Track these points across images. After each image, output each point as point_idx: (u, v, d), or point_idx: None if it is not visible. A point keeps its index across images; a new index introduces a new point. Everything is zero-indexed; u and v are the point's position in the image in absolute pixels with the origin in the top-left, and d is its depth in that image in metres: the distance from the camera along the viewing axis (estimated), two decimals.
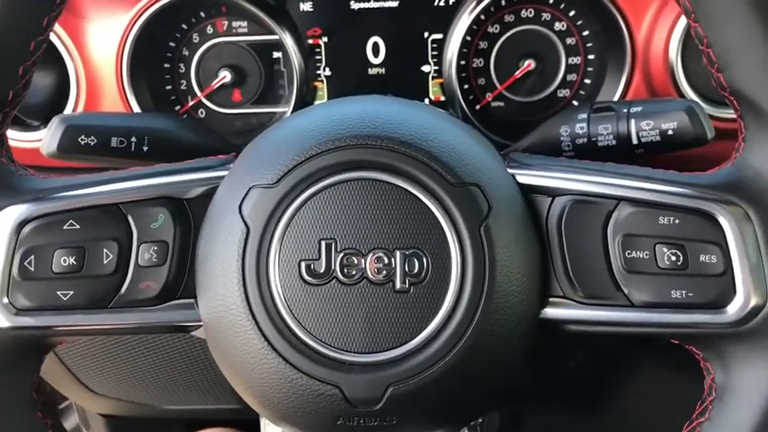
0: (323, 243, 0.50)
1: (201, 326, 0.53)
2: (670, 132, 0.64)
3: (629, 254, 0.51)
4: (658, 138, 0.64)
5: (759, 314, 0.49)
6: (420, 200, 0.50)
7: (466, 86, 0.83)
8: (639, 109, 0.65)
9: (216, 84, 0.83)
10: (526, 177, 0.54)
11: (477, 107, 0.84)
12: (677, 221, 0.50)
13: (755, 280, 0.49)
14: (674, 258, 0.50)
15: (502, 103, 0.84)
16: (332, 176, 0.50)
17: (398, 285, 0.49)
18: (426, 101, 0.84)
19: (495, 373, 0.51)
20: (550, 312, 0.53)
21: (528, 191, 0.53)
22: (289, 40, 0.80)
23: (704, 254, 0.50)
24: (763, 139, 0.50)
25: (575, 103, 0.83)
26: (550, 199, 0.53)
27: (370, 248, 0.49)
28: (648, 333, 0.52)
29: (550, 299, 0.53)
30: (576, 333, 0.53)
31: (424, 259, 0.49)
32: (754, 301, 0.49)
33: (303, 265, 0.49)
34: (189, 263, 0.53)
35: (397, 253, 0.49)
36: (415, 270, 0.49)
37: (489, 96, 0.83)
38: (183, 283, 0.53)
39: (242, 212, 0.50)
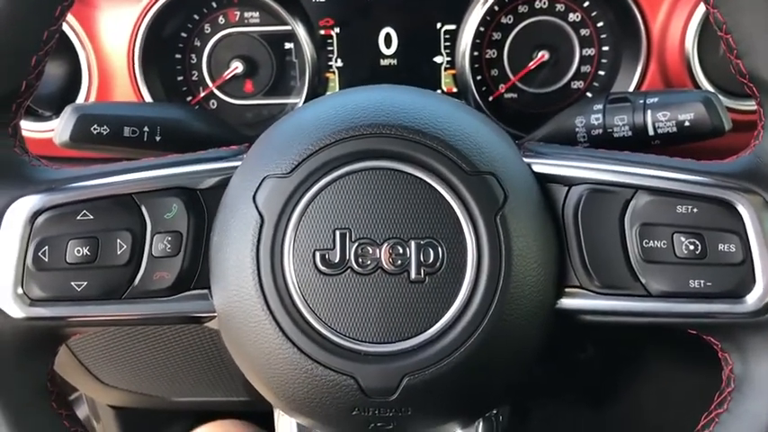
0: (337, 233, 0.49)
1: (215, 317, 0.53)
2: (687, 123, 0.63)
3: (646, 243, 0.51)
4: (675, 129, 0.63)
5: None
6: (435, 189, 0.50)
7: (479, 78, 0.82)
8: (656, 100, 0.64)
9: (227, 74, 0.83)
10: (542, 166, 0.53)
11: (491, 99, 0.83)
12: (695, 210, 0.50)
13: None
14: (692, 247, 0.50)
15: (515, 95, 0.83)
16: (346, 166, 0.50)
17: (413, 275, 0.49)
18: (439, 92, 0.83)
19: (510, 364, 0.51)
20: (566, 302, 0.52)
21: (544, 180, 0.53)
22: (301, 31, 0.80)
23: (723, 243, 0.49)
24: None
25: (589, 94, 0.82)
26: (567, 188, 0.53)
27: (384, 238, 0.49)
28: (666, 323, 0.51)
29: (566, 289, 0.52)
30: (593, 323, 0.53)
31: (440, 249, 0.49)
32: None
33: (318, 254, 0.49)
34: (203, 253, 0.53)
35: (412, 243, 0.49)
36: (431, 260, 0.49)
37: (503, 88, 0.83)
38: (196, 274, 0.53)
39: (256, 202, 0.50)
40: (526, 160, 0.53)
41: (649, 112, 0.64)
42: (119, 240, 0.52)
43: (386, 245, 0.49)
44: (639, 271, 0.51)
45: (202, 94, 0.84)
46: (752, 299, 0.49)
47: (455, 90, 0.83)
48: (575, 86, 0.83)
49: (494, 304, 0.49)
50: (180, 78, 0.84)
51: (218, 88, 0.84)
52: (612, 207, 0.52)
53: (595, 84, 0.82)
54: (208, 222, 0.53)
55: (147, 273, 0.52)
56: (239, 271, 0.50)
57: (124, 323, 0.54)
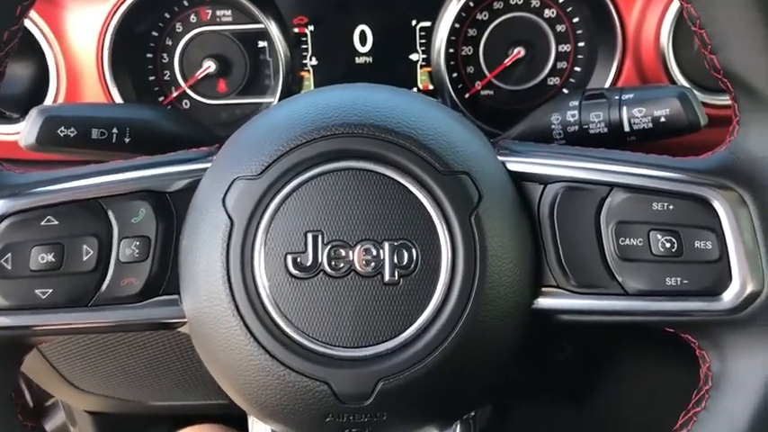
0: (309, 235, 0.48)
1: (185, 323, 0.52)
2: (662, 119, 0.63)
3: (622, 241, 0.50)
4: (650, 125, 0.63)
5: (755, 301, 0.49)
6: (408, 189, 0.49)
7: (455, 75, 0.81)
8: (631, 96, 0.64)
9: (200, 74, 0.81)
10: (517, 164, 0.53)
11: (467, 96, 0.82)
12: (671, 207, 0.50)
13: (751, 266, 0.48)
14: (668, 245, 0.49)
15: (491, 92, 0.83)
16: (318, 167, 0.49)
17: (387, 278, 0.48)
18: (414, 90, 0.82)
19: (486, 366, 0.50)
20: (543, 302, 0.52)
21: (519, 178, 0.52)
22: (274, 29, 0.79)
23: (699, 240, 0.49)
24: (758, 121, 0.49)
25: (565, 91, 0.82)
26: (542, 186, 0.52)
27: (357, 240, 0.48)
28: (643, 322, 0.51)
29: (543, 288, 0.52)
30: (570, 323, 0.53)
31: (414, 250, 0.48)
32: (750, 288, 0.48)
33: (289, 258, 0.48)
34: (172, 258, 0.52)
35: (386, 244, 0.48)
36: (404, 262, 0.48)
37: (479, 85, 0.82)
38: (165, 279, 0.52)
39: (225, 205, 0.49)
40: (500, 159, 0.53)
41: (625, 108, 0.64)
42: (85, 246, 0.51)
43: (359, 247, 0.48)
44: (616, 269, 0.50)
45: (174, 95, 0.83)
46: (728, 296, 0.49)
47: (431, 87, 0.82)
48: (551, 83, 0.82)
49: (469, 306, 0.48)
50: (151, 78, 0.83)
51: (191, 88, 0.83)
52: (588, 205, 0.51)
53: (571, 80, 0.82)
54: (177, 226, 0.52)
55: (114, 279, 0.51)
56: (209, 276, 0.49)
57: (91, 331, 0.53)
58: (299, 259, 0.48)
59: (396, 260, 0.48)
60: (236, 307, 0.48)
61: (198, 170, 0.53)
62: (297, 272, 0.48)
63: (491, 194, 0.50)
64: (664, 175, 0.50)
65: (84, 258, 0.51)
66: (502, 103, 0.83)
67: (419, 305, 0.48)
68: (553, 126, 0.67)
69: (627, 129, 0.64)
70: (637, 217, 0.50)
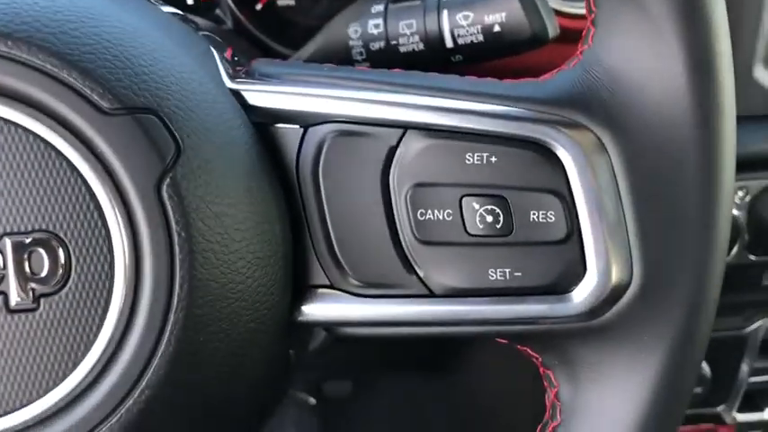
0: None
1: None
2: (497, 29, 0.45)
3: (422, 215, 0.33)
4: (481, 37, 0.45)
5: (620, 299, 0.32)
6: (46, 142, 0.29)
7: None
8: None
9: None
10: (261, 96, 0.34)
11: (259, 6, 0.62)
12: (493, 159, 0.32)
13: (614, 247, 0.32)
14: (490, 219, 0.33)
15: (291, 1, 0.62)
16: None
17: (14, 299, 0.28)
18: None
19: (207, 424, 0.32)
20: (310, 311, 0.34)
21: (265, 118, 0.33)
22: None
23: (536, 210, 0.33)
24: (625, 16, 0.31)
25: None
26: (302, 130, 0.34)
27: None
28: (459, 333, 0.35)
29: (311, 290, 0.34)
30: (355, 337, 0.35)
31: (61, 250, 0.28)
32: (612, 279, 0.32)
33: None
34: None
35: (7, 242, 0.28)
36: (45, 270, 0.29)
37: None
38: None
39: None
40: (233, 86, 0.33)
41: (446, 13, 0.45)
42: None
43: None
44: (414, 258, 0.34)
45: None
46: (580, 295, 0.32)
47: None
48: None
49: (164, 338, 0.29)
50: None
51: None
52: (370, 159, 0.34)
53: None
54: None
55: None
56: None
57: None
58: None
59: (28, 269, 0.28)
60: None
61: None
62: None
63: (202, 145, 0.30)
64: (481, 108, 0.33)
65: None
66: (307, 17, 0.62)
67: (76, 344, 0.29)
68: (352, 42, 0.48)
69: (450, 44, 0.46)
70: (442, 176, 0.33)
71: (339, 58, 0.49)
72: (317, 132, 0.33)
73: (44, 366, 0.29)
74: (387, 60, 0.48)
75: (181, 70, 0.31)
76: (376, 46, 0.47)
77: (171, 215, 0.29)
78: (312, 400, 0.81)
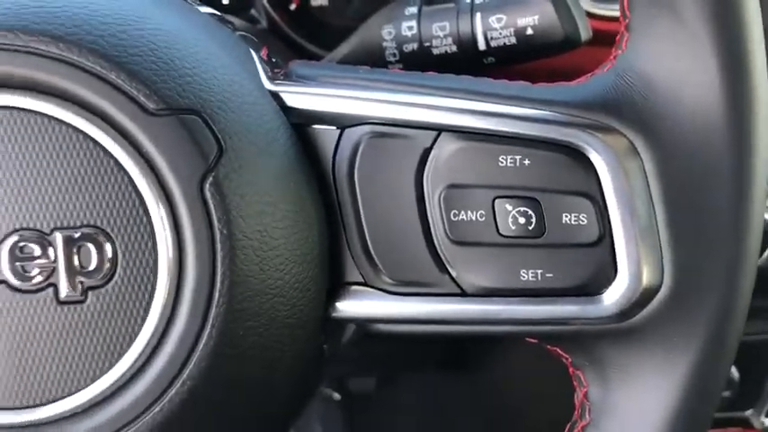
0: None
1: None
2: (529, 31, 0.45)
3: (455, 215, 0.34)
4: (514, 40, 0.45)
5: (650, 302, 0.32)
6: (94, 140, 0.30)
7: None
8: None
9: None
10: (300, 97, 0.34)
11: (293, 6, 0.63)
12: (526, 162, 0.33)
13: (646, 250, 0.32)
14: (522, 220, 0.33)
15: (324, 2, 0.63)
16: None
17: (64, 292, 0.29)
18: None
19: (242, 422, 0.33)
20: (344, 307, 0.35)
21: (302, 119, 0.34)
22: None
23: (568, 212, 0.33)
24: (659, 21, 0.32)
25: None
26: (338, 132, 0.35)
27: (6, 232, 0.29)
28: (490, 332, 0.35)
29: (345, 287, 0.35)
30: (387, 333, 0.36)
31: (108, 245, 0.30)
32: (643, 282, 0.33)
33: None
34: None
35: (58, 236, 0.29)
36: (93, 264, 0.30)
37: None
38: None
39: None
40: (272, 88, 0.34)
41: (479, 15, 0.46)
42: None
43: (9, 242, 0.29)
44: (447, 258, 0.34)
45: None
46: (611, 297, 0.33)
47: None
48: None
49: (204, 336, 0.30)
50: None
51: None
52: (405, 160, 0.34)
53: None
54: None
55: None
56: None
57: None
58: None
59: (77, 263, 0.29)
60: None
61: None
62: None
63: (244, 146, 0.31)
64: (515, 111, 0.33)
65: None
66: (339, 17, 0.63)
67: (121, 336, 0.30)
68: (385, 44, 0.49)
69: (482, 46, 0.46)
70: (476, 178, 0.34)
71: (372, 60, 0.50)
72: (353, 134, 0.34)
73: (90, 357, 0.30)
74: (420, 62, 0.48)
75: (223, 72, 0.32)
76: (409, 48, 0.48)
77: (213, 213, 0.30)
78: (337, 396, 0.81)
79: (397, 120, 0.34)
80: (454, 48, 0.47)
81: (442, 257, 0.34)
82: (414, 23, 0.47)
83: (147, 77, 0.30)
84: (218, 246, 0.30)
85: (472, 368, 1.02)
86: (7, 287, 0.29)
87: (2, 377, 0.29)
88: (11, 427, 0.29)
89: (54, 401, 0.30)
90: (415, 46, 0.48)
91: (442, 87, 0.35)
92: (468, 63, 0.48)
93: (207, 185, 0.30)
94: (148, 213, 0.30)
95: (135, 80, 0.29)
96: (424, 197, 0.34)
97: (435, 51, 0.48)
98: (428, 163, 0.34)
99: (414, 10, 0.48)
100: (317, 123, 0.35)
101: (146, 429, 0.30)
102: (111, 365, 0.30)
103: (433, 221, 0.34)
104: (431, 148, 0.34)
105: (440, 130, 0.34)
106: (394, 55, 0.49)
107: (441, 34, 0.47)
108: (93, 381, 0.30)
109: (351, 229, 0.34)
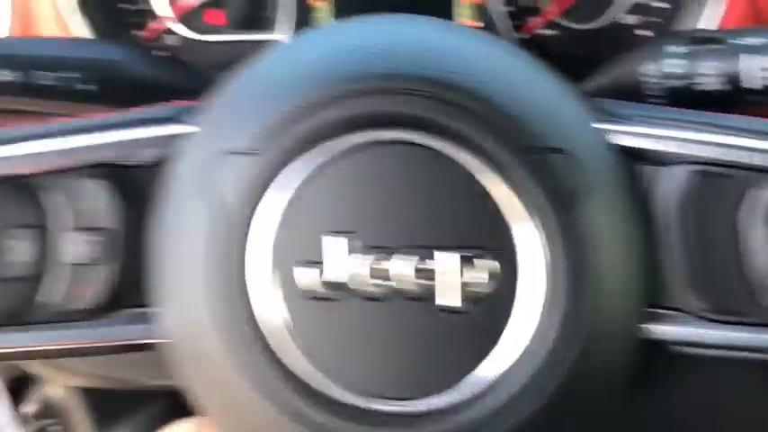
0: (329, 239, 0.34)
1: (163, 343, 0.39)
2: None
3: None
4: None
5: None
6: (476, 174, 0.34)
7: (509, 8, 0.65)
8: (759, 41, 0.48)
9: (191, 1, 0.66)
10: (625, 137, 0.38)
11: (518, 35, 0.66)
12: None
13: None
14: None
15: (556, 32, 0.66)
16: (343, 138, 0.34)
17: (448, 301, 0.34)
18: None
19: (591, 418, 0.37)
20: (659, 330, 0.38)
21: (628, 156, 0.38)
22: None
23: None
24: None
25: (645, 33, 0.66)
26: (660, 169, 0.38)
27: (401, 247, 0.34)
28: None
29: (660, 311, 0.38)
30: (694, 357, 0.39)
31: (485, 263, 0.34)
32: None
33: (301, 271, 0.34)
34: (140, 258, 0.38)
35: (445, 254, 0.34)
36: (473, 279, 0.34)
37: (537, 21, 0.66)
38: (133, 287, 0.38)
39: (214, 189, 0.35)
40: (600, 126, 0.38)
41: (749, 57, 0.48)
42: (13, 242, 0.37)
43: (405, 257, 0.34)
44: (760, 289, 0.36)
45: (156, 27, 0.67)
46: None
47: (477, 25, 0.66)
48: (628, 22, 0.66)
49: (566, 341, 0.34)
50: (125, 6, 0.67)
51: (179, 20, 0.67)
52: (724, 198, 0.37)
53: (654, 19, 0.66)
54: (145, 214, 0.38)
55: (59, 287, 0.37)
56: (192, 290, 0.35)
57: (30, 356, 0.39)
58: (314, 273, 0.34)
59: (460, 277, 0.34)
60: (228, 337, 0.34)
61: (173, 136, 0.38)
62: (311, 291, 0.34)
63: (597, 181, 0.35)
64: None
65: (16, 259, 0.37)
66: (567, 48, 0.67)
67: (492, 340, 0.34)
68: (646, 79, 0.52)
69: (750, 86, 0.48)
70: None
71: (626, 94, 0.53)
72: (675, 172, 0.37)
73: (464, 358, 0.34)
74: (683, 97, 0.51)
75: (575, 112, 0.36)
76: (675, 84, 0.51)
77: (579, 243, 0.34)
78: None
79: (717, 159, 0.37)
80: (721, 86, 0.49)
81: (755, 289, 0.36)
82: (684, 61, 0.50)
83: (520, 119, 0.34)
84: (579, 270, 0.34)
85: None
86: (401, 296, 0.34)
87: (391, 372, 0.34)
88: (402, 416, 0.34)
89: (437, 393, 0.34)
90: (683, 82, 0.50)
91: (754, 131, 0.38)
92: (728, 101, 0.50)
93: (575, 216, 0.34)
94: (522, 241, 0.34)
95: (510, 121, 0.34)
96: (738, 233, 0.37)
97: (698, 88, 0.50)
98: (745, 201, 0.37)
99: (681, 50, 0.50)
100: (640, 160, 0.38)
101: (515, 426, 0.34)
102: (480, 368, 0.34)
103: (748, 254, 0.36)
104: (750, 187, 0.36)
105: (759, 170, 0.36)
106: (655, 90, 0.52)
107: (710, 72, 0.49)
108: (466, 379, 0.34)
109: (673, 261, 0.37)
